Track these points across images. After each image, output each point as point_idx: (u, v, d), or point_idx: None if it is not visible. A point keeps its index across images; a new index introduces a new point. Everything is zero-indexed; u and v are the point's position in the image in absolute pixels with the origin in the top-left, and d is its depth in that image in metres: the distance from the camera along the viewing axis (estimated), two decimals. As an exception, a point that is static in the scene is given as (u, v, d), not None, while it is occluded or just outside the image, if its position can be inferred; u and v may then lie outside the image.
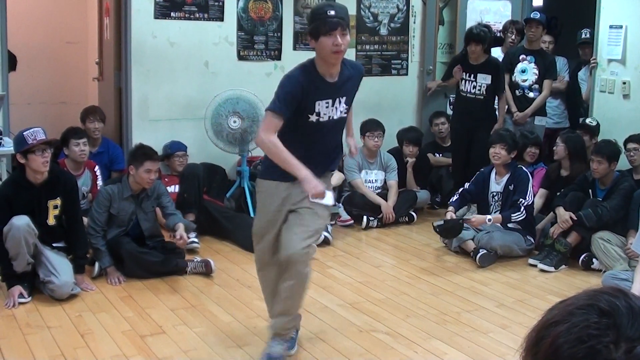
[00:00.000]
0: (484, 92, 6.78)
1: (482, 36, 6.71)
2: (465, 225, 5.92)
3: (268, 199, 3.95)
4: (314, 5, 3.68)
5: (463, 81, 6.86)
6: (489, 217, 5.78)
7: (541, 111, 7.06)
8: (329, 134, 3.92)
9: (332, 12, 3.63)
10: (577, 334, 1.03)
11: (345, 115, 3.94)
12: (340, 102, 3.85)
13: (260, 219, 4.03)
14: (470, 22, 7.73)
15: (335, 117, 3.87)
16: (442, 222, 5.87)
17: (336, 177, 6.33)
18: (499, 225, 5.89)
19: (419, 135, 7.34)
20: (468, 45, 6.77)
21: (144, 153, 5.34)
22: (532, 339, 1.10)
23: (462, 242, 5.90)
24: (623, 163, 6.01)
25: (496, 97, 6.93)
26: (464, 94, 6.89)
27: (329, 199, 3.83)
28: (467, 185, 6.24)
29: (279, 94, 3.74)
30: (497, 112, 7.07)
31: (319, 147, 3.91)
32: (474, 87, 6.80)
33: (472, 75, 6.79)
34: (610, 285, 0.97)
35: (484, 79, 6.75)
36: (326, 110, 3.81)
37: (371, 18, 7.89)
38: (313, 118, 3.79)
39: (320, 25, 3.63)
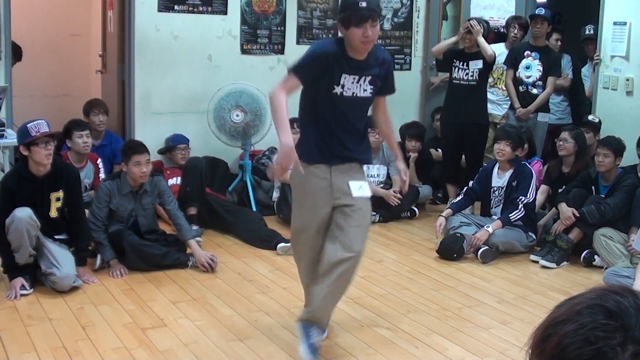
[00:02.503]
0: (477, 77, 6.83)
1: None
2: (465, 220, 5.92)
3: (308, 188, 3.88)
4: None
5: (456, 69, 6.89)
6: (489, 228, 5.75)
7: (544, 107, 7.04)
8: (353, 113, 3.90)
9: (364, 4, 3.62)
10: (583, 335, 1.03)
11: (370, 96, 3.90)
12: (365, 80, 3.84)
13: (302, 212, 3.97)
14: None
15: (359, 95, 3.85)
16: (439, 244, 5.86)
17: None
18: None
19: (422, 131, 7.34)
20: (463, 35, 6.85)
21: (130, 147, 5.36)
22: (539, 336, 1.09)
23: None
24: (625, 160, 5.99)
25: (494, 86, 6.98)
26: (457, 81, 6.92)
27: (367, 190, 3.92)
28: (471, 183, 6.23)
29: (303, 57, 3.83)
30: (487, 108, 7.09)
31: (344, 125, 3.88)
32: (467, 73, 6.84)
33: (465, 64, 6.85)
34: (618, 284, 0.97)
35: (476, 65, 6.80)
36: (351, 85, 3.82)
37: (375, 13, 7.86)
38: (337, 90, 3.79)
39: (351, 16, 3.64)
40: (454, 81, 6.95)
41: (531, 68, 7.00)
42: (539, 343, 1.09)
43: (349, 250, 3.82)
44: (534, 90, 6.99)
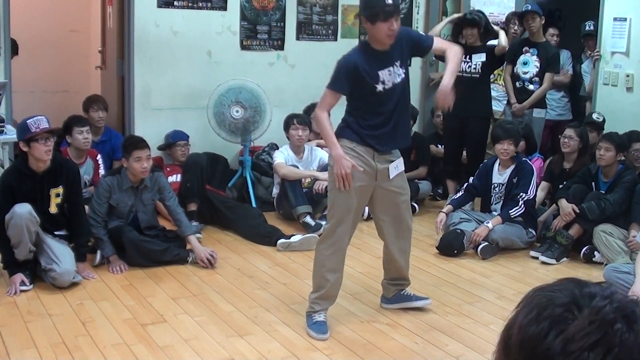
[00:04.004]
0: (480, 70, 6.79)
1: (477, 20, 6.78)
2: (465, 217, 5.93)
3: (358, 176, 4.12)
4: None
5: None
6: (489, 224, 5.75)
7: (540, 103, 7.03)
8: (399, 100, 4.23)
9: (390, 1, 3.98)
10: (537, 308, 1.08)
11: (404, 76, 4.21)
12: (396, 66, 4.17)
13: (348, 195, 4.16)
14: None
15: (397, 81, 4.17)
16: (438, 242, 5.85)
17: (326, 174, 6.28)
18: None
19: (414, 113, 7.31)
20: (463, 30, 6.82)
21: (130, 143, 5.35)
22: (503, 343, 1.15)
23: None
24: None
25: (494, 82, 6.97)
26: (460, 74, 6.86)
27: (401, 165, 4.35)
28: (471, 179, 6.22)
29: (334, 73, 4.16)
30: (491, 102, 7.06)
31: (397, 117, 4.22)
32: (470, 66, 6.79)
33: (468, 57, 6.80)
34: (573, 277, 1.05)
35: (479, 57, 6.76)
36: (389, 77, 4.14)
37: (375, 9, 7.85)
38: (380, 87, 4.13)
39: (379, 13, 3.97)
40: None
41: (529, 64, 6.98)
42: (505, 347, 1.14)
43: (409, 227, 4.46)
44: (531, 87, 6.97)
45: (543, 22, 7.11)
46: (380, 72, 4.12)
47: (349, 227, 4.24)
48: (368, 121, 4.19)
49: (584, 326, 1.02)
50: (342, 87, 4.15)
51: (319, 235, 5.86)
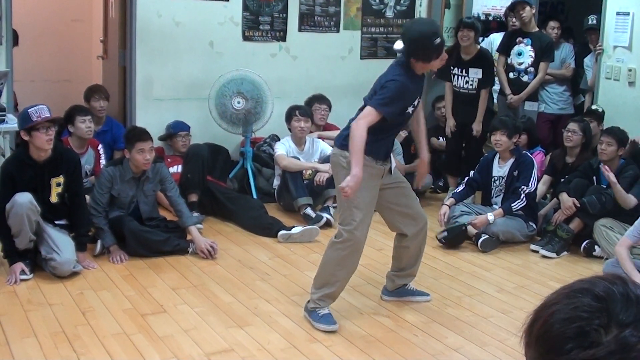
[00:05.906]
0: (476, 87, 6.84)
1: (475, 23, 6.82)
2: (466, 209, 5.93)
3: (372, 175, 4.20)
4: (420, 25, 4.40)
5: (456, 77, 6.87)
6: (490, 215, 5.75)
7: (532, 96, 7.02)
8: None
9: (439, 40, 4.12)
10: (568, 314, 1.07)
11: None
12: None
13: (367, 195, 4.21)
14: (477, 6, 7.70)
15: (416, 108, 4.37)
16: (445, 234, 5.84)
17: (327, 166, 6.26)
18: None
19: None
20: (460, 32, 6.80)
21: (133, 135, 5.34)
22: (530, 321, 1.14)
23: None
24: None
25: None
26: (457, 89, 6.92)
27: (393, 161, 4.41)
28: (472, 173, 6.22)
29: (386, 97, 4.07)
30: (493, 103, 7.08)
31: (397, 131, 4.54)
32: (467, 82, 6.83)
33: (464, 70, 6.82)
34: (612, 272, 1.05)
35: (476, 74, 6.79)
36: (416, 102, 4.31)
37: (377, 0, 7.85)
38: (410, 110, 4.27)
39: (433, 52, 4.12)
40: (454, 88, 6.94)
41: (523, 54, 6.96)
42: (529, 327, 1.13)
43: (423, 216, 4.54)
44: (525, 78, 6.96)
45: (534, 11, 7.10)
46: (417, 98, 4.28)
47: (366, 228, 4.26)
48: (377, 136, 4.11)
49: (602, 356, 1.02)
50: (389, 112, 4.07)
51: (320, 227, 5.91)
